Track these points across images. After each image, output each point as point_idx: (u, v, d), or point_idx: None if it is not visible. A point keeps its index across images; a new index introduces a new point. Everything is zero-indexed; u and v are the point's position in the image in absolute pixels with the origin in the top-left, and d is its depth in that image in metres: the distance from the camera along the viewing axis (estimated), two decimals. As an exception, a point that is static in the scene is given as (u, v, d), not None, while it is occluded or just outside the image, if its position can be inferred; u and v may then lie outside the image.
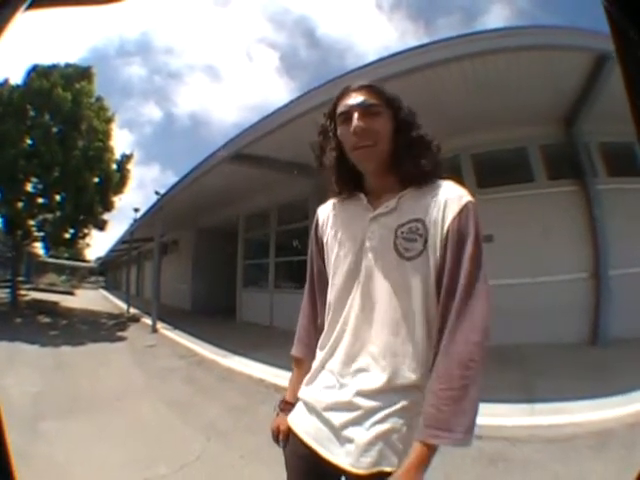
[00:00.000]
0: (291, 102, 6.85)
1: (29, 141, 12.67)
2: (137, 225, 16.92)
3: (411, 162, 1.10)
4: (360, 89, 1.13)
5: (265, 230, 11.58)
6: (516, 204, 6.86)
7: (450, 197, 1.07)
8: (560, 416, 3.80)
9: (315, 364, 1.21)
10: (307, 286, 1.36)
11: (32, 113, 12.71)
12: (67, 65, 13.70)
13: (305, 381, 1.22)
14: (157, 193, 12.58)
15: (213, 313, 13.67)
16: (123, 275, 30.44)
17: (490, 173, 7.29)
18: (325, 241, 1.26)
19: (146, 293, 20.86)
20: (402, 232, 1.07)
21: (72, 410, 4.53)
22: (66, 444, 3.60)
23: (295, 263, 10.62)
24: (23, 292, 19.26)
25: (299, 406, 1.21)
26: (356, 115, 1.09)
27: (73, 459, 3.32)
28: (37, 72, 12.76)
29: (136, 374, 6.47)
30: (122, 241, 22.47)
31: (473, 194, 1.09)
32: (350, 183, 1.20)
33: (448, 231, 1.04)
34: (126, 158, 15.01)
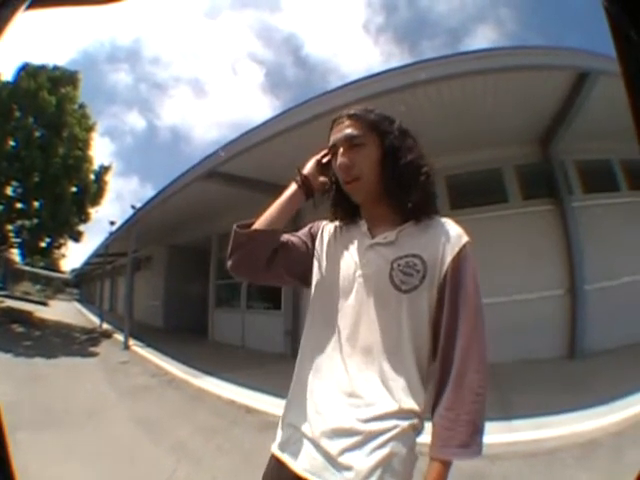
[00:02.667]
0: (265, 122, 6.86)
1: (12, 143, 12.49)
2: (112, 239, 16.63)
3: (400, 193, 1.12)
4: (346, 119, 1.14)
5: None
6: (490, 224, 6.91)
7: (449, 237, 1.10)
8: (541, 431, 3.81)
9: (299, 386, 1.16)
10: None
11: (18, 114, 12.52)
12: (55, 67, 13.61)
13: (289, 404, 1.20)
14: (133, 207, 12.39)
15: (185, 331, 13.51)
16: (97, 289, 29.85)
17: (464, 194, 7.34)
18: (316, 251, 1.25)
19: (119, 308, 20.47)
20: (399, 265, 1.08)
21: (44, 423, 4.45)
22: (36, 456, 3.48)
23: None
24: None
25: (285, 433, 1.16)
26: (341, 150, 1.12)
27: (43, 472, 3.23)
28: (27, 71, 12.62)
29: (108, 391, 6.38)
30: (97, 254, 22.02)
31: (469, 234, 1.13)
32: (349, 211, 1.23)
33: (447, 271, 1.07)
34: (104, 169, 14.86)
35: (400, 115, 1.20)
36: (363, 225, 1.18)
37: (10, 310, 17.02)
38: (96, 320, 16.68)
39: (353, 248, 1.17)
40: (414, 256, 1.08)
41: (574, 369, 5.81)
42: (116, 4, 0.80)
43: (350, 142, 1.11)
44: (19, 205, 13.68)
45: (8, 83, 12.57)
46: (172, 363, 8.15)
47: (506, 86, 5.72)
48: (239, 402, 5.41)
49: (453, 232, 1.11)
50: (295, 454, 1.09)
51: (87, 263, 28.77)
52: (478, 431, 1.02)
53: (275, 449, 1.15)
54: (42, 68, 13.13)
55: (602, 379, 4.93)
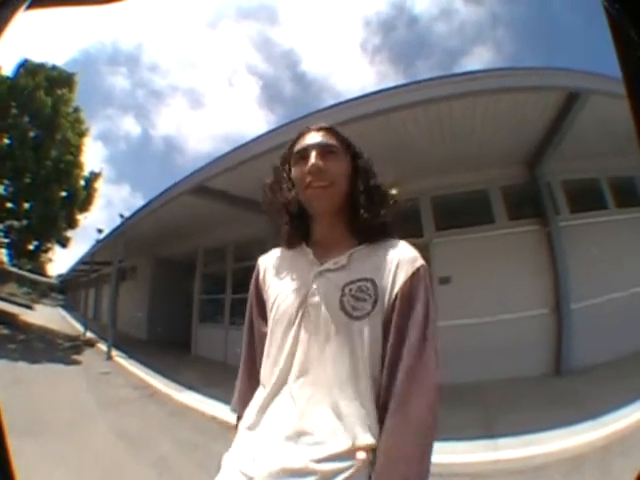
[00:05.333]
0: (253, 140, 6.86)
1: (7, 140, 12.36)
2: (99, 247, 16.42)
3: (367, 211, 1.07)
4: (319, 130, 1.12)
5: (222, 266, 11.44)
6: (476, 245, 6.96)
7: (403, 259, 1.04)
8: (528, 448, 3.82)
9: (248, 425, 1.07)
10: (246, 347, 1.26)
11: (15, 111, 12.41)
12: (53, 67, 13.56)
13: (235, 446, 1.09)
14: (121, 216, 12.27)
15: (169, 344, 13.35)
16: (82, 296, 29.44)
17: (449, 216, 7.38)
18: (266, 297, 1.17)
19: (103, 317, 20.10)
20: (350, 290, 1.01)
21: (25, 430, 4.32)
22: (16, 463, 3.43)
23: None
24: None
25: (227, 473, 1.05)
26: (314, 154, 1.07)
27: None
28: (26, 68, 12.55)
29: (89, 402, 6.31)
30: (83, 261, 21.79)
31: (425, 257, 1.08)
32: (298, 231, 1.15)
33: (397, 294, 1.00)
34: (94, 176, 14.80)
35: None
36: (309, 252, 1.11)
37: None
38: (80, 327, 16.47)
39: (301, 277, 1.09)
40: (366, 280, 1.01)
41: (560, 386, 5.84)
42: (116, 4, 0.80)
43: (325, 148, 1.08)
44: (9, 205, 13.57)
45: (8, 78, 12.48)
46: (155, 376, 8.08)
47: (494, 107, 5.76)
48: (220, 418, 5.35)
49: (407, 254, 1.05)
50: None
51: (73, 269, 28.40)
52: (421, 472, 0.93)
53: None
54: (41, 66, 13.09)
55: (588, 395, 4.98)
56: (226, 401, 4.90)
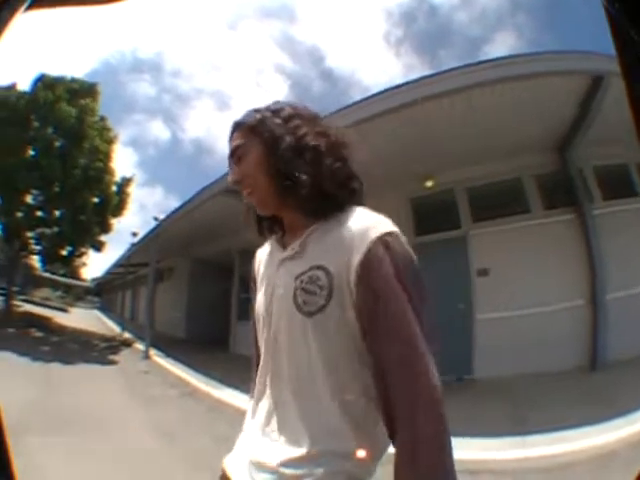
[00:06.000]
0: None
1: (31, 152, 12.62)
2: (134, 249, 16.77)
3: (301, 187, 0.88)
4: (232, 133, 0.99)
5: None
6: (512, 235, 6.83)
7: (356, 234, 0.83)
8: (558, 445, 3.74)
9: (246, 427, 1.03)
10: (252, 346, 1.13)
11: (36, 124, 12.62)
12: (73, 79, 13.68)
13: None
14: (156, 219, 12.55)
15: (207, 343, 13.55)
16: (118, 298, 30.12)
17: (485, 207, 7.26)
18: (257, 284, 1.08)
19: (140, 318, 20.51)
20: (302, 281, 0.86)
21: (58, 428, 4.45)
22: (46, 461, 3.54)
23: None
24: (17, 303, 18.71)
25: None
26: (230, 165, 0.98)
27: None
28: (43, 82, 12.71)
29: (126, 400, 6.37)
30: (119, 264, 22.25)
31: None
32: (272, 223, 1.04)
33: (354, 281, 0.81)
34: (126, 181, 14.89)
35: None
36: (275, 240, 1.02)
37: (28, 314, 17.02)
38: (117, 328, 16.81)
39: (271, 267, 0.99)
40: (317, 268, 0.85)
41: (593, 381, 5.71)
42: (116, 4, 0.78)
43: (235, 155, 0.96)
44: (39, 213, 13.78)
45: (25, 93, 12.68)
46: (193, 374, 8.16)
47: (522, 94, 5.66)
48: None
49: (361, 225, 0.84)
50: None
51: (109, 272, 28.79)
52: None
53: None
54: (59, 80, 13.21)
55: (621, 390, 4.80)
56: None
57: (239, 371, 8.68)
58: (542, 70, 5.43)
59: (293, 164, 0.88)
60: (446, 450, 0.74)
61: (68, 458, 3.72)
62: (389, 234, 0.82)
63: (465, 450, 3.53)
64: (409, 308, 0.77)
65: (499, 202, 7.42)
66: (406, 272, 0.80)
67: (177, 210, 11.18)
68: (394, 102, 5.62)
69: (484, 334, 6.42)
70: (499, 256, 6.65)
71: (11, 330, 12.15)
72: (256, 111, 0.97)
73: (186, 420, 5.49)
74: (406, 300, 0.77)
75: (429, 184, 7.05)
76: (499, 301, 6.36)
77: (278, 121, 0.94)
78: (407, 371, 0.76)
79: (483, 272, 6.64)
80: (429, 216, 7.32)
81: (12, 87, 12.78)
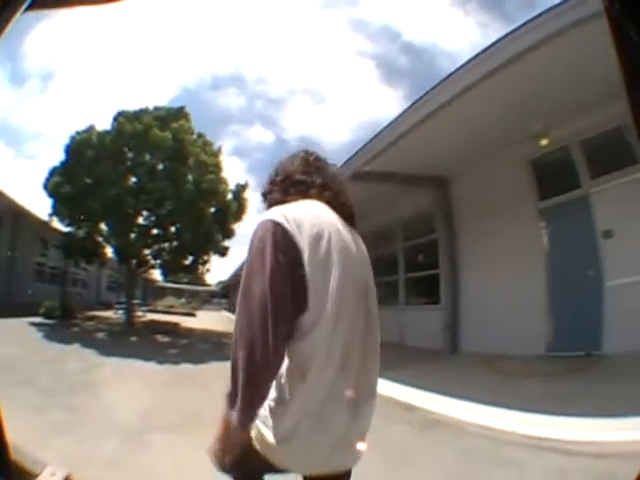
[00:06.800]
0: (400, 116, 6.72)
1: (134, 179, 13.40)
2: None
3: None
4: None
5: (391, 247, 11.34)
6: (635, 189, 5.83)
7: None
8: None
9: None
10: None
11: (130, 155, 13.36)
12: (156, 108, 14.35)
13: None
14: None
15: None
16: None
17: (603, 159, 6.24)
18: None
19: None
20: None
21: (182, 426, 4.53)
22: (167, 456, 3.67)
23: (423, 278, 10.17)
24: (139, 313, 19.99)
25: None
26: None
27: (171, 470, 3.37)
28: (125, 117, 13.42)
29: None
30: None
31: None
32: None
33: None
34: (241, 187, 15.30)
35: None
36: None
37: (152, 323, 17.91)
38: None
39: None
40: None
41: None
42: (116, 4, 0.83)
43: None
44: (154, 231, 14.64)
45: (107, 132, 13.42)
46: None
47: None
48: (402, 400, 5.26)
49: None
50: None
51: (235, 275, 30.03)
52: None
53: None
54: (141, 112, 13.84)
55: None
56: (403, 382, 4.78)
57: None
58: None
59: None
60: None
61: (190, 452, 3.80)
62: (260, 222, 1.15)
63: (597, 432, 3.21)
64: (245, 269, 1.14)
65: (617, 154, 6.40)
66: (253, 245, 1.13)
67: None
68: (498, 60, 5.21)
69: (614, 303, 5.69)
70: (624, 216, 5.79)
71: (135, 338, 12.81)
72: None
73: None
74: (247, 262, 1.15)
75: (544, 142, 6.46)
76: (627, 265, 5.54)
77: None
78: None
79: (608, 234, 5.92)
80: (549, 178, 6.71)
81: (90, 129, 13.57)
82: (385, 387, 5.82)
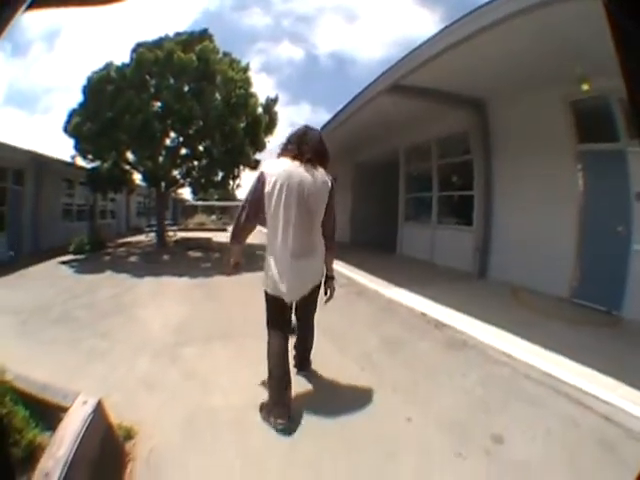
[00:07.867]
0: (441, 31, 6.19)
1: (158, 104, 13.10)
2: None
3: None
4: None
5: (425, 164, 11.02)
6: None
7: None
8: None
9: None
10: None
11: (152, 81, 12.98)
12: (177, 34, 13.95)
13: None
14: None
15: (370, 247, 13.88)
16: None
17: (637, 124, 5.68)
18: None
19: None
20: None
21: (215, 337, 4.79)
22: (200, 364, 3.94)
23: (457, 199, 10.02)
24: (170, 233, 20.55)
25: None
26: None
27: (203, 372, 3.68)
28: (145, 47, 12.95)
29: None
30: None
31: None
32: None
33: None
34: (271, 102, 15.11)
35: None
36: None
37: (184, 240, 18.72)
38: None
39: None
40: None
41: None
42: (116, 4, 0.85)
43: None
44: (182, 151, 14.62)
45: (126, 65, 13.00)
46: (360, 274, 8.47)
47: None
48: (429, 316, 5.42)
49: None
50: None
51: None
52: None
53: None
54: (163, 39, 13.44)
55: None
56: (434, 298, 4.89)
57: (408, 273, 8.56)
58: None
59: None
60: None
61: (223, 359, 4.13)
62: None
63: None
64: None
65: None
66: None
67: (335, 118, 10.98)
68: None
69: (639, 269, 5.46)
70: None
71: (167, 257, 13.31)
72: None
73: (356, 320, 5.55)
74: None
75: (585, 87, 6.03)
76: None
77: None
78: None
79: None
80: (589, 124, 6.30)
81: (108, 66, 13.17)
82: (417, 302, 6.05)
